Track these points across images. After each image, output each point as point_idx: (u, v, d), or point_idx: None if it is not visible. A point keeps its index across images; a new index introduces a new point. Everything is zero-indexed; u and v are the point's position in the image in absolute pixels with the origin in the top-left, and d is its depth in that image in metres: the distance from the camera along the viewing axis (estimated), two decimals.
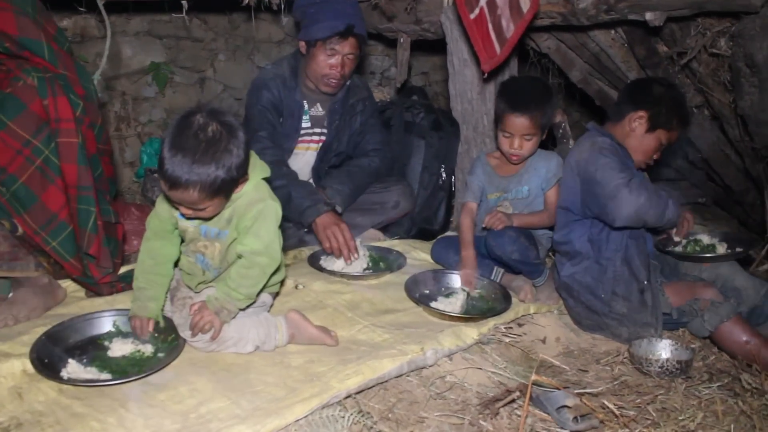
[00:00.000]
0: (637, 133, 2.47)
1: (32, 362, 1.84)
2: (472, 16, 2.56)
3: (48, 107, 2.09)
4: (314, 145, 3.14)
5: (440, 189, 3.32)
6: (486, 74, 2.65)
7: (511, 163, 2.76)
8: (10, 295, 2.25)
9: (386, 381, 1.94)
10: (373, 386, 1.91)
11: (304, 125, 3.08)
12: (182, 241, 2.12)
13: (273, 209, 1.99)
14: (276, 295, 2.29)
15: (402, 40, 3.81)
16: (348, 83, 3.08)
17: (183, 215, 1.95)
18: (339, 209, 2.88)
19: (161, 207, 2.06)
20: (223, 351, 2.01)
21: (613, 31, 3.51)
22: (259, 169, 2.01)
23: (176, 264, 2.18)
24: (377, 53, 5.25)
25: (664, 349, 2.29)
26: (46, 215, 2.13)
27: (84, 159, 2.16)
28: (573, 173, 2.47)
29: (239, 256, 1.98)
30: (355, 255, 2.74)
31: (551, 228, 2.75)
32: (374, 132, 3.22)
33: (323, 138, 3.12)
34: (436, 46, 3.92)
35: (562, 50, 3.94)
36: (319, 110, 3.11)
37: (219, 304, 1.96)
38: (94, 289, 2.36)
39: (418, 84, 5.26)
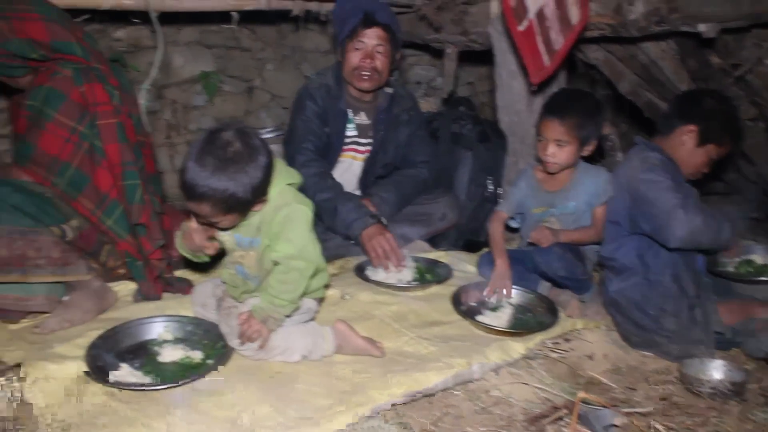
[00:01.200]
0: (687, 147, 2.42)
1: (86, 365, 1.89)
2: (520, 28, 2.54)
3: (85, 93, 2.24)
4: (360, 155, 3.15)
5: (487, 201, 3.30)
6: (535, 86, 2.63)
7: (548, 172, 2.73)
8: (65, 298, 2.31)
9: (432, 394, 1.94)
10: (419, 399, 1.90)
11: (349, 134, 3.10)
12: (222, 254, 2.17)
13: (301, 212, 1.99)
14: (321, 301, 2.30)
15: (449, 51, 3.80)
16: (392, 92, 3.08)
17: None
18: (384, 221, 2.88)
19: None
20: (271, 359, 2.02)
21: (664, 43, 3.45)
22: (284, 176, 2.02)
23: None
24: (423, 63, 5.25)
25: (716, 370, 2.22)
26: (99, 195, 2.28)
27: (124, 138, 2.31)
28: (623, 189, 2.43)
29: (275, 263, 2.00)
30: (403, 263, 2.76)
31: (598, 243, 2.71)
32: (422, 144, 3.23)
33: (369, 148, 3.13)
34: (483, 57, 3.91)
35: (611, 61, 3.88)
36: (364, 119, 3.11)
37: (265, 313, 1.98)
38: (144, 288, 2.42)
39: (463, 94, 5.24)
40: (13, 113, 2.44)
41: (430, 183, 3.18)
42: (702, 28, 2.76)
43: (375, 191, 3.03)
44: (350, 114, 3.08)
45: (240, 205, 1.87)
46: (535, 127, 2.74)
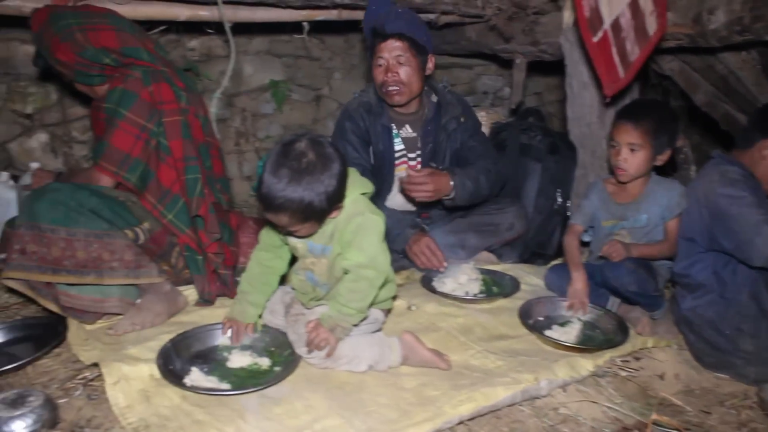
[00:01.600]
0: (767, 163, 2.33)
1: (159, 368, 1.95)
2: (595, 39, 2.49)
3: (153, 93, 2.36)
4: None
5: (555, 214, 3.24)
6: (608, 98, 2.58)
7: (619, 182, 2.68)
8: (138, 301, 2.38)
9: (499, 409, 1.92)
10: (486, 414, 1.89)
11: (397, 148, 3.04)
12: (293, 260, 2.20)
13: (373, 222, 2.00)
14: (388, 312, 2.31)
15: (518, 62, 3.77)
16: (437, 100, 3.02)
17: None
18: (427, 228, 2.88)
19: (267, 232, 2.17)
20: (337, 368, 2.04)
21: (744, 52, 3.34)
22: (358, 185, 2.03)
23: (283, 281, 2.28)
24: (490, 73, 5.23)
25: None
26: (161, 190, 2.38)
27: (188, 134, 2.42)
28: (699, 204, 2.35)
29: (345, 272, 2.01)
30: (444, 264, 2.80)
31: (671, 258, 2.64)
32: (481, 148, 3.07)
33: (419, 161, 3.07)
34: (551, 67, 3.86)
35: (687, 72, 3.78)
36: (409, 132, 3.04)
37: (333, 321, 1.99)
38: (199, 284, 2.49)
39: (531, 105, 5.18)
40: (93, 118, 2.55)
41: (496, 189, 3.09)
42: None
43: (459, 172, 2.86)
44: (394, 129, 3.02)
45: (316, 214, 1.89)
46: (608, 134, 2.70)
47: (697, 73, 3.75)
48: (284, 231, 1.97)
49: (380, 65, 2.83)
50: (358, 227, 1.97)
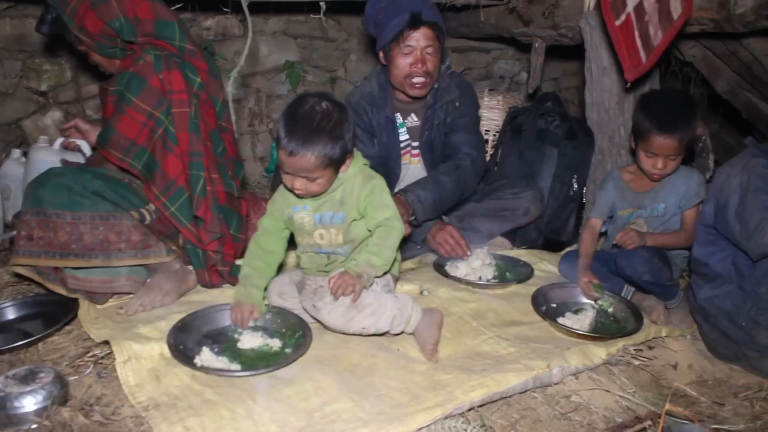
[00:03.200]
0: None
1: (169, 347, 1.95)
2: (617, 23, 2.45)
3: (163, 81, 2.29)
4: (415, 159, 3.03)
5: (571, 200, 3.21)
6: (629, 84, 2.53)
7: (651, 181, 2.65)
8: (148, 280, 2.38)
9: (510, 396, 1.90)
10: (497, 400, 1.87)
11: (402, 138, 2.98)
12: (293, 246, 2.31)
13: (383, 183, 2.20)
14: (396, 280, 2.41)
15: (537, 45, 3.72)
16: (436, 86, 2.91)
17: (296, 194, 2.13)
18: (416, 222, 2.77)
19: (273, 207, 2.27)
20: (362, 322, 2.05)
21: None
22: (359, 157, 2.22)
23: (280, 269, 2.37)
24: (507, 58, 5.17)
25: None
26: (166, 181, 2.31)
27: (195, 127, 2.33)
28: (716, 193, 2.31)
29: (377, 227, 2.15)
30: (469, 252, 2.79)
31: (687, 248, 2.60)
32: (465, 132, 2.96)
33: (419, 150, 3.01)
34: (569, 52, 3.81)
35: (709, 59, 3.72)
36: (414, 120, 2.98)
37: (359, 269, 2.06)
38: (200, 276, 2.48)
39: (548, 90, 5.13)
40: (101, 99, 2.49)
41: (471, 179, 2.95)
42: None
43: (412, 188, 2.77)
44: (399, 119, 2.96)
45: (338, 156, 2.04)
46: (634, 137, 2.64)
47: (720, 59, 3.69)
48: (303, 187, 2.06)
49: (408, 54, 2.73)
50: (372, 189, 2.14)
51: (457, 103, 2.93)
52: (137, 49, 2.33)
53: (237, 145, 2.74)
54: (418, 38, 2.69)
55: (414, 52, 2.71)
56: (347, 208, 2.15)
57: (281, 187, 2.23)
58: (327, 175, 2.06)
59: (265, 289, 2.28)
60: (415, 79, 2.75)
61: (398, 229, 2.14)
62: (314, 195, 2.12)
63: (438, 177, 2.82)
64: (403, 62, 2.74)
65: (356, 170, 2.17)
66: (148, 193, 2.34)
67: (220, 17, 4.06)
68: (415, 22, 2.66)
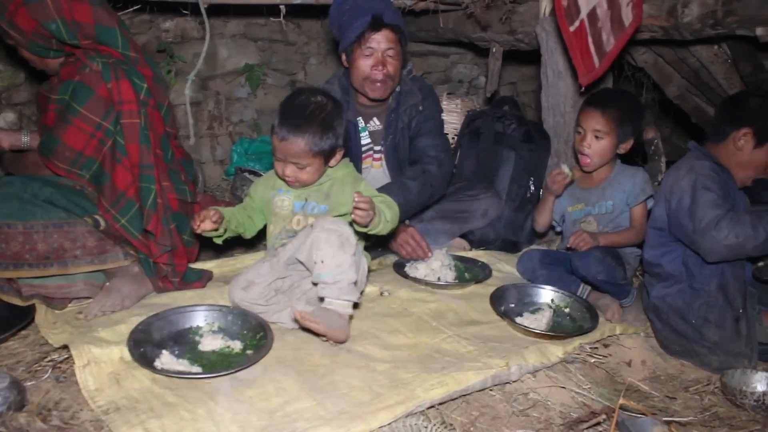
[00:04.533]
0: (746, 151, 2.35)
1: (129, 351, 1.93)
2: (571, 29, 2.51)
3: (112, 90, 2.23)
4: (377, 163, 3.03)
5: (528, 202, 3.26)
6: (583, 88, 2.60)
7: (583, 171, 2.74)
8: (106, 283, 2.35)
9: (469, 393, 1.93)
10: (456, 398, 1.90)
11: (364, 142, 2.97)
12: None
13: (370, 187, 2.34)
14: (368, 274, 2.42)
15: (494, 50, 3.77)
16: (398, 90, 2.92)
17: (287, 183, 2.24)
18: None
19: (254, 189, 2.40)
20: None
21: (716, 46, 3.38)
22: (345, 160, 2.34)
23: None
24: (466, 62, 5.23)
25: (760, 382, 2.18)
26: (116, 194, 2.26)
27: (146, 139, 2.28)
28: (666, 195, 2.38)
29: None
30: (430, 253, 2.81)
31: (639, 246, 2.67)
32: (430, 136, 2.96)
33: (383, 155, 3.01)
34: (526, 57, 3.88)
35: (660, 65, 3.83)
36: (376, 124, 2.98)
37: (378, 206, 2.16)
38: (153, 284, 2.43)
39: (505, 94, 5.20)
40: (41, 105, 2.40)
41: (439, 182, 2.92)
42: (760, 31, 2.67)
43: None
44: (361, 122, 2.96)
45: (328, 145, 2.16)
46: (576, 120, 2.74)
47: (670, 65, 3.80)
48: (293, 174, 2.17)
49: (369, 55, 2.73)
50: (364, 187, 2.27)
51: (420, 107, 2.93)
52: (81, 56, 2.26)
53: (183, 147, 2.71)
54: (380, 40, 2.70)
55: (375, 54, 2.72)
56: (331, 202, 2.25)
57: (269, 172, 2.37)
58: (316, 164, 2.18)
59: (225, 236, 2.34)
60: (377, 81, 2.76)
61: (396, 215, 2.27)
62: (304, 184, 2.23)
63: (404, 182, 2.79)
64: (363, 63, 2.74)
65: (347, 172, 2.31)
66: (99, 205, 2.29)
67: (179, 19, 4.01)
68: (376, 24, 2.67)
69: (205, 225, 2.17)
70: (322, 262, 2.02)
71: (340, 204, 2.25)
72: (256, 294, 2.23)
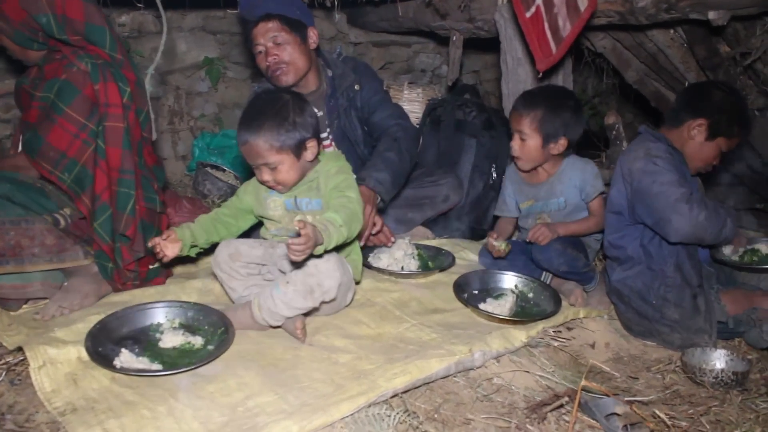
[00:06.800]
0: (696, 141, 2.39)
1: (87, 350, 1.89)
2: (527, 15, 2.52)
3: (98, 92, 2.19)
4: (329, 150, 2.89)
5: (491, 188, 3.27)
6: (541, 74, 2.61)
7: (520, 170, 2.76)
8: (65, 283, 2.31)
9: (433, 381, 1.93)
10: (420, 386, 1.90)
11: None
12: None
13: (353, 179, 2.27)
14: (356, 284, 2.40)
15: (455, 39, 3.78)
16: (331, 74, 2.92)
17: (266, 185, 2.20)
18: (383, 204, 2.76)
19: (244, 190, 2.35)
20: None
21: (672, 31, 3.41)
22: (340, 156, 2.33)
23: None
24: (428, 51, 5.23)
25: (718, 359, 2.22)
26: (94, 196, 2.23)
27: (128, 144, 2.26)
28: (624, 179, 2.40)
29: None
30: (392, 239, 2.78)
31: (599, 231, 2.69)
32: (384, 107, 2.96)
33: (332, 139, 2.99)
34: (488, 45, 3.88)
35: (618, 50, 3.86)
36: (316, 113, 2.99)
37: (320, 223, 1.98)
38: (113, 284, 2.39)
39: (468, 82, 5.22)
40: (23, 102, 2.36)
41: (409, 144, 2.90)
42: (712, 15, 2.71)
43: (367, 174, 2.70)
44: None
45: (290, 141, 2.09)
46: None
47: (628, 50, 3.83)
48: (268, 176, 2.13)
49: (260, 52, 2.73)
50: (345, 178, 2.21)
51: (356, 86, 2.92)
52: (69, 54, 2.22)
53: (156, 152, 2.66)
54: (262, 34, 2.69)
55: (260, 46, 2.72)
56: (324, 195, 2.20)
57: None
58: (287, 161, 2.11)
59: (199, 251, 2.30)
60: (275, 71, 2.74)
61: (358, 210, 2.12)
62: (287, 185, 2.17)
63: (384, 155, 2.79)
64: (260, 61, 2.77)
65: (334, 164, 2.24)
66: (82, 207, 2.25)
67: (135, 13, 3.95)
68: (247, 23, 2.70)
69: (168, 252, 2.15)
70: (286, 288, 2.04)
71: (329, 190, 2.20)
72: (238, 265, 2.23)
